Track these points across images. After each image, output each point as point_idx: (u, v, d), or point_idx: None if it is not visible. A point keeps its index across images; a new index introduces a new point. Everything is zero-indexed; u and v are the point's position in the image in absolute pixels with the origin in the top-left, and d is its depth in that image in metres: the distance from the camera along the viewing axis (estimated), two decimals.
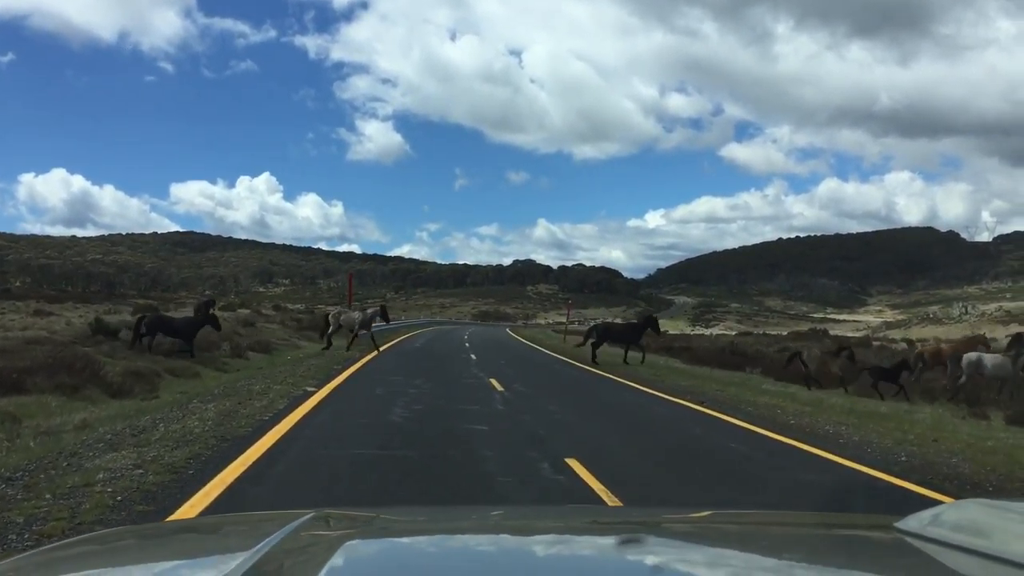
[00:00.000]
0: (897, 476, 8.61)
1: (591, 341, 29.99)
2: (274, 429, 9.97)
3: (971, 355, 21.92)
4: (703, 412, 14.07)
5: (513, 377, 20.70)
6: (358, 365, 22.08)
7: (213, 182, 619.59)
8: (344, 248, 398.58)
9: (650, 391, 17.88)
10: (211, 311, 22.96)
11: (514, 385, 18.00)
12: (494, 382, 18.28)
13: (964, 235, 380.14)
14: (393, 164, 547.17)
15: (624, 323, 37.05)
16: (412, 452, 8.99)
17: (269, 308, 56.80)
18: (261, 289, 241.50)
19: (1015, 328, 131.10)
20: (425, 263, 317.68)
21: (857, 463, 9.28)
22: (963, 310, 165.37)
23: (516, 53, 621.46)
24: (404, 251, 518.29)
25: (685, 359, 35.39)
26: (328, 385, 16.02)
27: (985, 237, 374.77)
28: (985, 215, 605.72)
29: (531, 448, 9.55)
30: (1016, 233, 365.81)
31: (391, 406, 12.98)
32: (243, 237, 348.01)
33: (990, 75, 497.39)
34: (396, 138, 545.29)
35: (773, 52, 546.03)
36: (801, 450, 10.18)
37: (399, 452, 8.98)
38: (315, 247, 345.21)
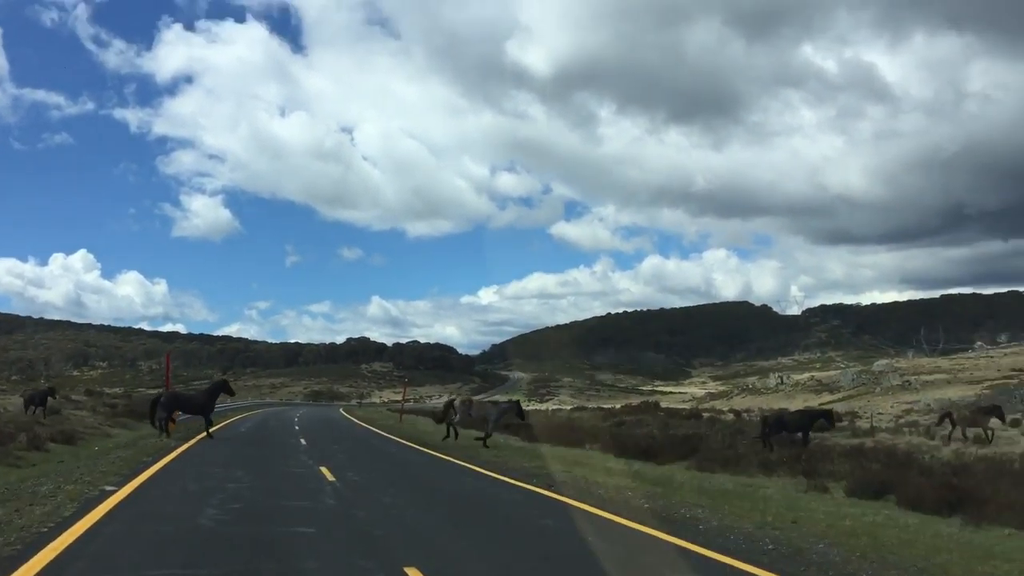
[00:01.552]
0: (768, 568, 7.88)
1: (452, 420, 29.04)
2: (50, 546, 8.19)
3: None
4: (553, 499, 13.07)
5: (346, 464, 19.14)
6: (172, 456, 19.87)
7: (23, 260, 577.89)
8: (168, 328, 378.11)
9: (495, 475, 16.76)
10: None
11: (347, 474, 16.47)
12: (325, 471, 16.71)
13: (776, 309, 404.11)
14: (221, 241, 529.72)
15: (492, 403, 36.02)
16: (218, 570, 7.46)
17: (81, 393, 52.39)
18: (75, 372, 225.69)
19: (827, 396, 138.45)
20: (255, 342, 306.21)
21: (725, 555, 8.50)
22: (779, 380, 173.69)
23: (348, 130, 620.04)
24: (233, 330, 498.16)
25: (524, 436, 34.62)
26: (132, 482, 14.03)
27: (795, 311, 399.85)
28: (794, 289, 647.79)
29: (364, 555, 8.22)
30: (822, 307, 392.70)
31: (203, 506, 11.26)
32: (56, 318, 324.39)
33: (795, 160, 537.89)
34: (224, 214, 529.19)
35: (598, 135, 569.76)
36: (667, 543, 9.30)
37: (203, 572, 7.43)
38: (136, 327, 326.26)
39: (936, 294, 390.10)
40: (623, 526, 10.37)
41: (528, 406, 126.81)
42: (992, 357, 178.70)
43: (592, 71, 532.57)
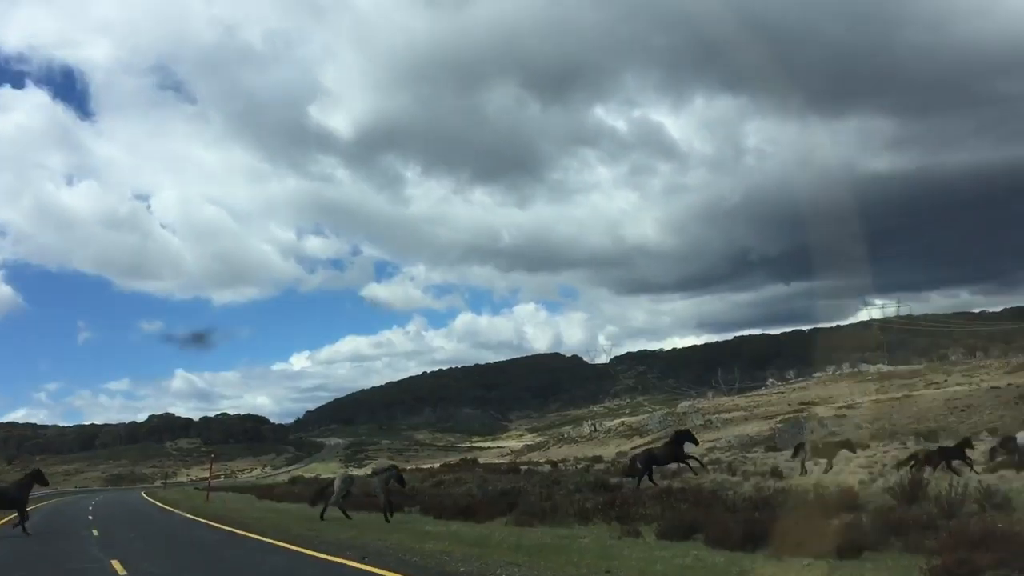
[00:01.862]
0: None
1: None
2: None
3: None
4: (365, 570, 12.52)
5: (144, 554, 17.63)
6: None
7: None
8: None
9: (307, 552, 15.87)
10: None
11: (143, 565, 15.13)
12: (117, 565, 15.28)
13: (586, 358, 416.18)
14: (3, 319, 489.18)
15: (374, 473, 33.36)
16: None
17: None
18: None
19: (637, 440, 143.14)
20: (45, 427, 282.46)
21: None
22: (592, 428, 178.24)
23: (143, 198, 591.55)
24: (18, 416, 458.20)
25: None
26: None
27: (603, 359, 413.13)
28: (601, 339, 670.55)
29: None
30: (628, 354, 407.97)
31: None
32: None
33: (594, 215, 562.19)
34: (6, 290, 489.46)
35: (405, 196, 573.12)
36: None
37: None
38: None
39: (730, 336, 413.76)
40: None
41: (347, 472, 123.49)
42: (783, 393, 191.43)
43: (395, 133, 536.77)
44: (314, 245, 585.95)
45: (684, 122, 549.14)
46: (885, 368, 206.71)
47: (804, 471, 29.45)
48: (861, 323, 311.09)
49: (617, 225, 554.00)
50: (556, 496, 26.97)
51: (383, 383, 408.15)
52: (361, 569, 12.72)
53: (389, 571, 12.15)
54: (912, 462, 28.11)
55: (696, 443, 34.27)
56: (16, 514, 23.79)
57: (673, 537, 16.11)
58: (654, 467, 30.71)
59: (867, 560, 12.66)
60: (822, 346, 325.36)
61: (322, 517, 24.99)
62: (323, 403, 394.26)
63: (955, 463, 26.77)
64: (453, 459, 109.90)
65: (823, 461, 36.29)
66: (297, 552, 15.99)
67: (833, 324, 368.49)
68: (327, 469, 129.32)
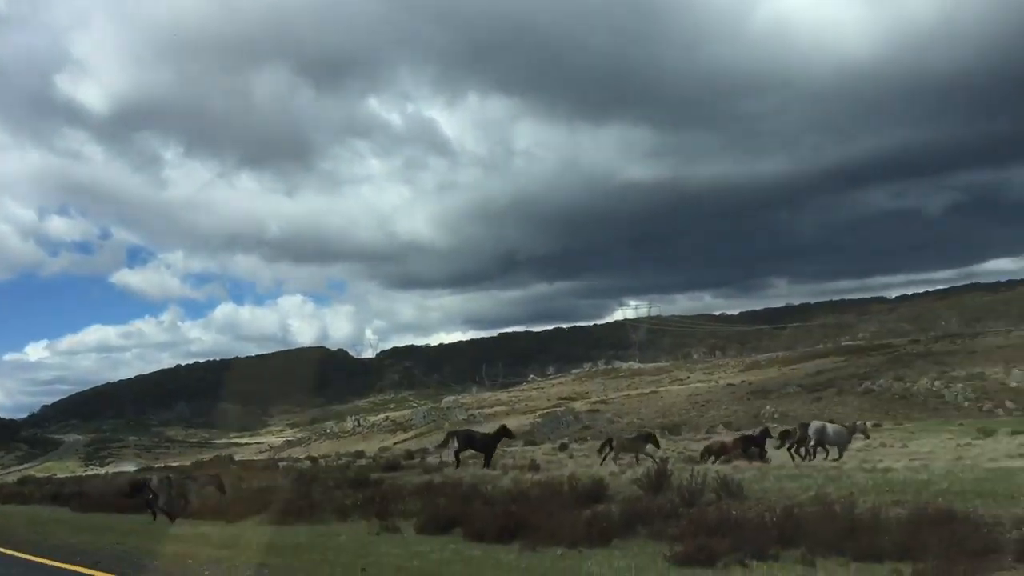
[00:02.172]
0: None
1: None
2: None
3: None
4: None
5: None
6: None
7: None
8: None
9: (33, 558, 14.37)
10: None
11: None
12: None
13: (352, 353, 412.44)
14: None
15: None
16: None
17: None
18: None
19: (401, 435, 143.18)
20: None
21: None
22: (356, 423, 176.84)
23: None
24: None
25: (76, 506, 31.01)
26: None
27: (370, 354, 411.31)
28: (368, 333, 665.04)
29: None
30: (394, 349, 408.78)
31: None
32: None
33: (366, 208, 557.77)
34: None
35: (163, 177, 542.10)
36: None
37: None
38: None
39: (495, 333, 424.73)
40: None
41: (87, 471, 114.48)
42: (543, 388, 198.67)
43: (155, 111, 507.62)
44: (58, 226, 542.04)
45: (458, 120, 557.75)
46: (636, 365, 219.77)
47: (605, 463, 30.05)
48: (616, 322, 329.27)
49: (388, 220, 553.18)
50: (314, 493, 26.26)
51: (132, 376, 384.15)
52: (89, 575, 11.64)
53: None
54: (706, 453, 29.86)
55: (512, 437, 35.32)
56: None
57: (432, 532, 16.04)
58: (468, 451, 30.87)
59: (615, 548, 13.12)
60: (581, 343, 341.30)
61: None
62: (63, 397, 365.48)
63: (752, 450, 28.71)
64: (207, 456, 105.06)
65: (579, 455, 37.88)
66: (20, 559, 14.44)
67: (591, 323, 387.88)
68: (63, 468, 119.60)
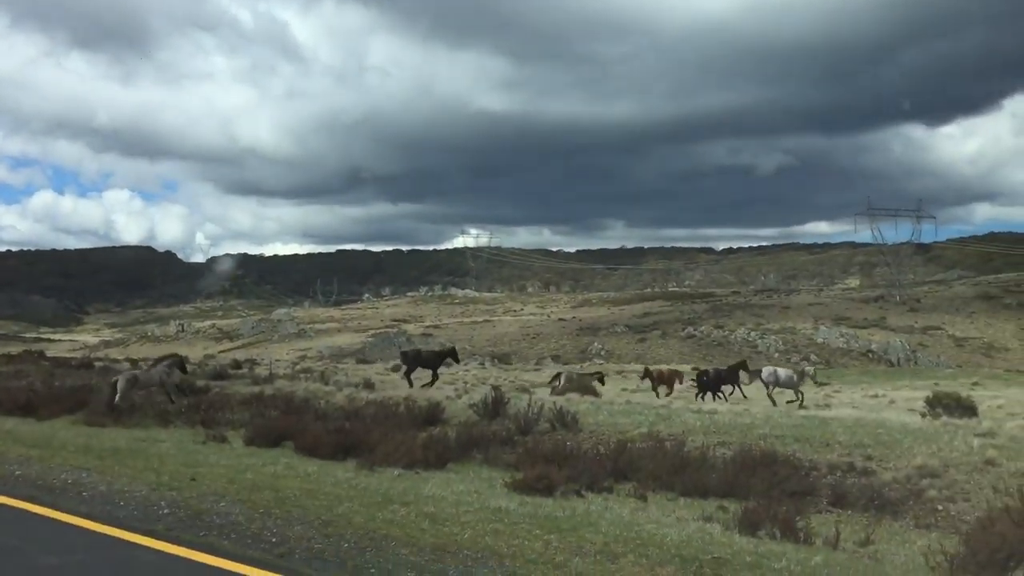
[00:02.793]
0: (165, 538, 7.01)
1: None
2: None
3: None
4: None
5: None
6: None
7: None
8: None
9: None
10: None
11: None
12: None
13: (181, 256, 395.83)
14: None
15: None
16: None
17: None
18: None
19: (227, 344, 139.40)
20: None
21: (114, 526, 7.39)
22: (180, 328, 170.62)
23: None
24: None
25: None
26: None
27: (200, 258, 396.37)
28: (200, 237, 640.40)
29: None
30: (227, 255, 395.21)
31: None
32: None
33: (206, 106, 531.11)
34: None
35: None
36: (42, 517, 7.79)
37: None
38: None
39: (332, 249, 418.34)
40: None
41: None
42: (377, 308, 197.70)
43: None
44: None
45: (312, 25, 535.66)
46: (472, 293, 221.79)
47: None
48: (456, 249, 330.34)
49: (230, 121, 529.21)
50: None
51: None
52: None
53: None
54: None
55: (457, 360, 34.43)
56: None
57: (261, 444, 15.59)
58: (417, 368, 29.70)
59: (451, 471, 13.14)
60: (418, 267, 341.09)
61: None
62: None
63: (724, 387, 29.41)
64: (15, 350, 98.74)
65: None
66: None
67: (431, 247, 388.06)
68: None
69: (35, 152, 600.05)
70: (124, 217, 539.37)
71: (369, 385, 27.16)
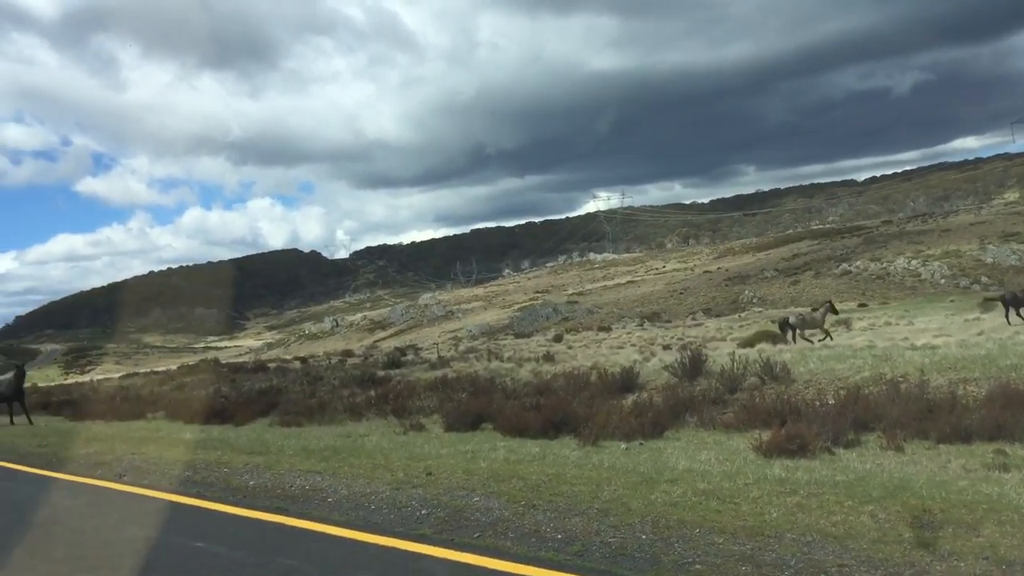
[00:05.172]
0: (440, 544, 6.48)
1: None
2: None
3: None
4: (128, 492, 10.40)
5: None
6: None
7: None
8: None
9: (48, 473, 13.26)
10: None
11: None
12: None
13: (325, 254, 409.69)
14: None
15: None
16: None
17: None
18: None
19: (380, 334, 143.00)
20: None
21: (380, 534, 6.93)
22: (335, 323, 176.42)
23: None
24: None
25: (70, 414, 30.04)
26: None
27: (343, 255, 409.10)
28: (340, 234, 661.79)
29: None
30: (367, 248, 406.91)
31: None
32: None
33: (332, 107, 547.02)
34: None
35: (121, 80, 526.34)
36: (299, 531, 7.39)
37: None
38: None
39: (467, 229, 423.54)
40: (240, 518, 8.30)
41: (67, 380, 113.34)
42: (518, 282, 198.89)
43: (107, 12, 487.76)
44: (15, 134, 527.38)
45: (420, 11, 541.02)
46: (611, 256, 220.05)
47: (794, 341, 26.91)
48: (588, 215, 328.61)
49: (355, 118, 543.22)
50: (320, 393, 25.47)
51: (104, 284, 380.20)
52: (129, 492, 10.59)
53: (160, 491, 10.18)
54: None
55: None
56: None
57: (461, 428, 15.24)
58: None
59: (670, 439, 12.34)
60: (553, 237, 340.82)
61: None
62: (36, 307, 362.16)
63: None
64: (190, 360, 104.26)
65: (578, 344, 37.25)
66: (34, 474, 13.34)
67: (563, 216, 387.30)
68: (44, 377, 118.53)
69: (180, 172, 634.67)
70: (268, 223, 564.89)
71: (549, 358, 26.64)
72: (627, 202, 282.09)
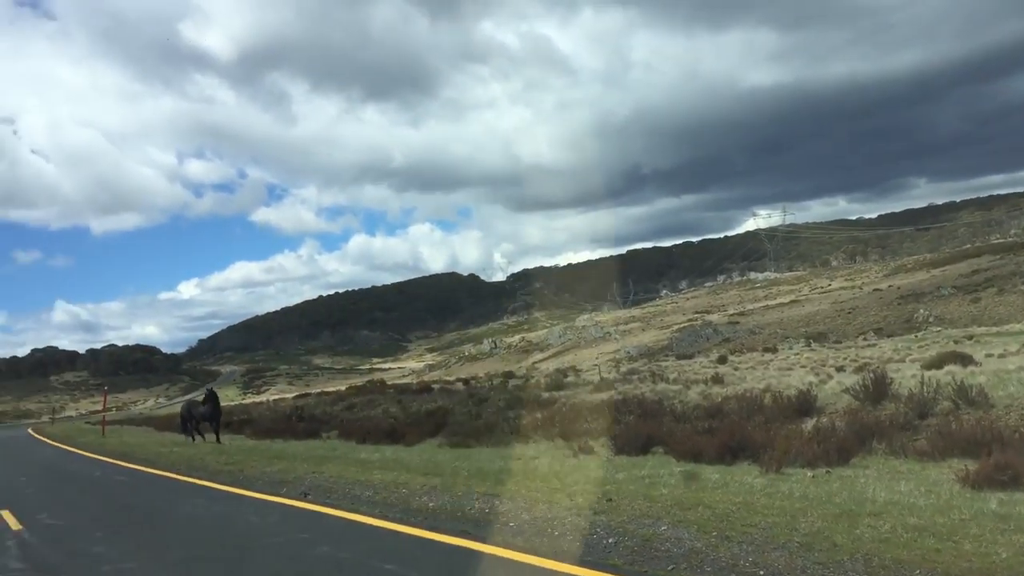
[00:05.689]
0: (628, 574, 6.26)
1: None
2: None
3: None
4: (315, 511, 10.72)
5: (38, 502, 15.35)
6: None
7: None
8: None
9: (236, 490, 13.89)
10: None
11: (40, 516, 12.91)
12: (8, 515, 13.07)
13: (483, 277, 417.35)
14: None
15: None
16: None
17: None
18: None
19: (538, 356, 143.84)
20: None
21: (569, 562, 6.77)
22: (493, 345, 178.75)
23: (8, 121, 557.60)
24: None
25: (251, 433, 31.63)
26: None
27: (500, 277, 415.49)
28: (497, 256, 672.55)
29: None
30: (524, 271, 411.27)
31: None
32: None
33: (488, 133, 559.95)
34: None
35: (291, 114, 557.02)
36: (491, 557, 7.31)
37: None
38: None
39: (623, 250, 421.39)
40: (424, 541, 8.35)
41: (244, 399, 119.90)
42: (676, 303, 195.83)
43: (279, 50, 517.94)
44: (197, 169, 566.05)
45: (573, 34, 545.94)
46: (772, 275, 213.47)
47: None
48: (748, 233, 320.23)
49: (511, 142, 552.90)
50: (486, 414, 25.72)
51: (278, 308, 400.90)
52: (314, 511, 10.90)
53: (347, 511, 10.40)
54: None
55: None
56: None
57: (630, 452, 14.95)
58: None
59: (857, 467, 11.64)
60: (712, 256, 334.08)
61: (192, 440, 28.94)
62: (216, 331, 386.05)
63: None
64: (357, 381, 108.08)
65: (744, 366, 36.08)
66: (223, 491, 14.01)
67: (721, 235, 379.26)
68: (224, 397, 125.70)
69: (346, 200, 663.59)
70: (428, 248, 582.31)
71: (718, 380, 25.91)
72: (788, 219, 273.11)
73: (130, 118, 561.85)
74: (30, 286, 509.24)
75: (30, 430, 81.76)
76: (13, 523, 12.25)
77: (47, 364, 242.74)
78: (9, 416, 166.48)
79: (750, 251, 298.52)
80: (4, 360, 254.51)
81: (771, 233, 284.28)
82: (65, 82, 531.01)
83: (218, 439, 27.79)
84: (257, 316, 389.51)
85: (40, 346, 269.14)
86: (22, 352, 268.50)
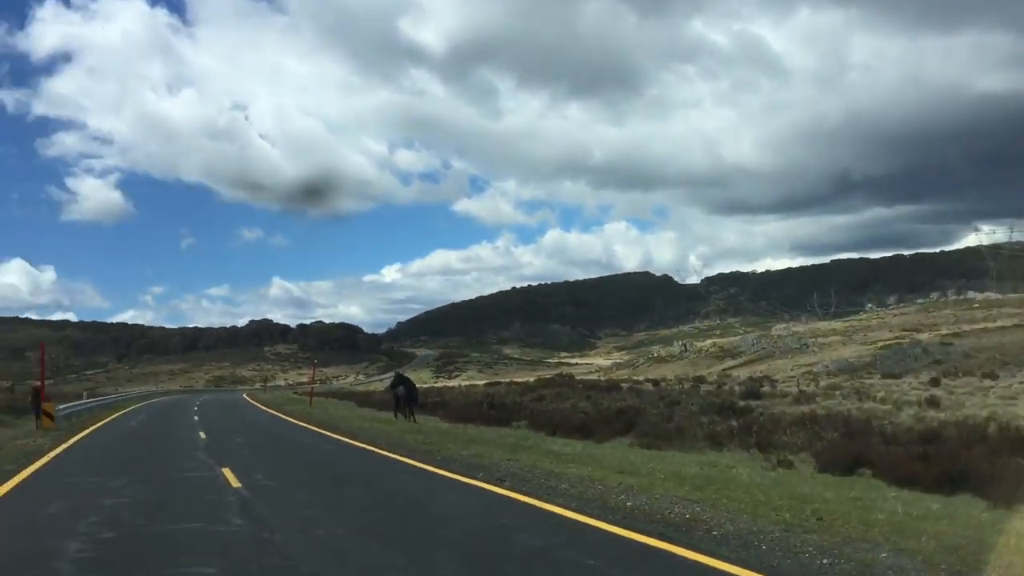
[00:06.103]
0: None
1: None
2: None
3: None
4: (512, 498, 10.79)
5: (253, 462, 16.44)
6: (41, 462, 16.88)
7: None
8: (58, 316, 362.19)
9: (434, 470, 14.27)
10: None
11: (255, 476, 13.80)
12: (228, 473, 14.05)
13: (676, 279, 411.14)
14: (114, 225, 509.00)
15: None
16: None
17: None
18: None
19: (729, 362, 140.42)
20: (151, 328, 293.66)
21: None
22: (683, 348, 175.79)
23: (241, 108, 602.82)
24: (127, 317, 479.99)
25: (444, 416, 32.54)
26: None
27: (694, 280, 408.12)
28: (692, 259, 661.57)
29: None
30: (719, 275, 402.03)
31: (63, 539, 8.38)
32: None
33: (691, 133, 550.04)
34: (116, 197, 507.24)
35: (498, 109, 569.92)
36: (693, 564, 7.05)
37: None
38: (23, 316, 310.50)
39: (826, 259, 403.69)
40: (623, 540, 8.18)
41: (437, 383, 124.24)
42: (882, 318, 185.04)
43: (489, 46, 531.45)
44: (406, 159, 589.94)
45: (787, 35, 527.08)
46: (994, 296, 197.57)
47: None
48: (968, 249, 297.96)
49: (714, 143, 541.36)
50: (677, 417, 25.20)
51: (472, 297, 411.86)
52: (508, 496, 11.00)
53: (541, 500, 10.41)
54: None
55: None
56: None
57: (834, 471, 14.14)
58: None
59: None
60: (925, 271, 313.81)
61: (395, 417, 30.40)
62: (414, 315, 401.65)
63: None
64: (546, 374, 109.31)
65: (960, 390, 33.54)
66: (422, 470, 14.43)
67: (937, 249, 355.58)
68: (418, 379, 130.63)
69: (544, 195, 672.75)
70: (623, 246, 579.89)
71: (934, 403, 24.21)
72: (1016, 236, 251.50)
73: (348, 109, 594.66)
74: (252, 262, 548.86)
75: (245, 395, 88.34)
76: (233, 480, 13.15)
77: (262, 335, 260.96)
78: (227, 381, 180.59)
79: (969, 268, 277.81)
80: (225, 329, 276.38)
81: (995, 250, 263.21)
82: (292, 73, 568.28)
83: (414, 419, 28.78)
84: (453, 303, 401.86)
85: (257, 318, 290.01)
86: (240, 323, 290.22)
